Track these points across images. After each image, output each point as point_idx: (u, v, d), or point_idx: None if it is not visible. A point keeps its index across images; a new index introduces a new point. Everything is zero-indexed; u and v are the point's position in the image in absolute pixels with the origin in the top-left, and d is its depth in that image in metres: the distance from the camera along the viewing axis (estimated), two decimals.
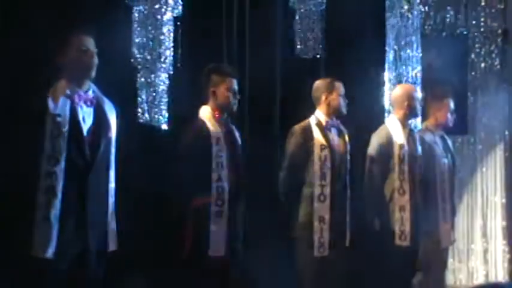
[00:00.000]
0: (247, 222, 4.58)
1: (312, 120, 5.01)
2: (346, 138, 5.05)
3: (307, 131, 4.95)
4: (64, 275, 3.68)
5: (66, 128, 3.68)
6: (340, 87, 5.04)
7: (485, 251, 6.73)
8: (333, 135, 4.99)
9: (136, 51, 5.97)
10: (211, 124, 4.51)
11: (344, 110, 5.03)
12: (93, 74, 3.85)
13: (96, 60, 3.84)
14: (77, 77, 3.81)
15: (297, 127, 5.00)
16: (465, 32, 6.82)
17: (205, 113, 4.57)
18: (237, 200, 4.52)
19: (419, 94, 5.54)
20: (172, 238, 4.58)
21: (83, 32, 3.85)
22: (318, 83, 5.10)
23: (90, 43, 3.84)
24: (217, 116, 4.56)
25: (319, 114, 5.02)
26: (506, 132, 6.84)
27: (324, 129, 4.96)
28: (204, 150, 4.43)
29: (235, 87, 4.58)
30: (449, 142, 5.70)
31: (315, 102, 5.07)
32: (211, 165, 4.41)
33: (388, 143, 5.17)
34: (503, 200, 6.74)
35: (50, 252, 3.61)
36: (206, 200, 4.40)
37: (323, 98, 5.03)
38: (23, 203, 3.67)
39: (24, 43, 5.12)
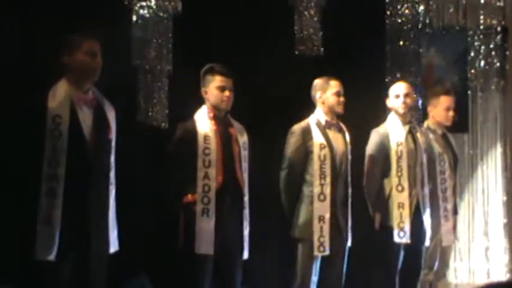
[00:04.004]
0: (246, 222, 4.55)
1: (312, 119, 5.00)
2: (347, 137, 5.04)
3: (307, 130, 4.94)
4: (66, 277, 3.68)
5: (66, 129, 3.68)
6: (335, 85, 5.01)
7: (487, 249, 6.73)
8: (333, 134, 4.98)
9: (135, 51, 5.98)
10: (203, 123, 4.51)
11: (339, 109, 5.00)
12: (97, 78, 3.86)
13: (100, 65, 3.84)
14: (81, 79, 3.82)
15: (296, 127, 4.99)
16: (464, 30, 6.80)
17: (202, 112, 4.58)
18: (231, 198, 4.50)
19: (413, 91, 5.52)
20: (168, 236, 4.58)
21: (93, 36, 3.85)
22: (315, 82, 5.09)
23: (98, 48, 3.85)
24: (211, 115, 4.55)
25: (319, 114, 5.01)
26: (507, 130, 6.83)
27: (323, 129, 4.95)
28: (190, 148, 4.43)
29: (226, 85, 4.54)
30: (452, 140, 5.68)
31: (314, 101, 5.07)
32: (197, 163, 4.40)
33: (386, 141, 5.17)
34: (504, 198, 6.73)
35: (52, 254, 3.60)
36: (194, 198, 4.39)
37: (318, 97, 5.03)
38: (25, 205, 3.67)
39: (24, 42, 5.13)
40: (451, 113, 5.59)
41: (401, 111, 5.23)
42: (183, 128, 4.58)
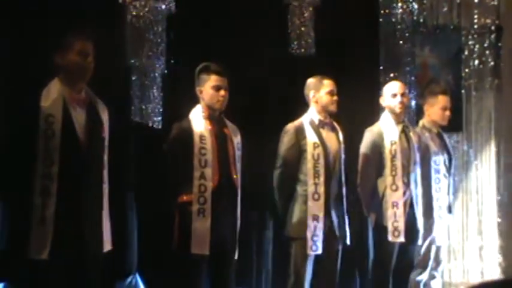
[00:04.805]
0: (239, 221, 4.55)
1: (305, 118, 5.00)
2: (340, 136, 5.04)
3: (300, 129, 4.94)
4: (60, 276, 3.67)
5: (59, 129, 3.67)
6: (328, 84, 5.02)
7: (481, 249, 6.74)
8: (326, 133, 4.98)
9: (129, 51, 5.98)
10: (198, 122, 4.51)
11: (332, 108, 5.01)
12: (89, 78, 3.86)
13: (92, 65, 3.84)
14: (73, 79, 3.82)
15: (290, 126, 5.00)
16: (458, 29, 6.81)
17: (197, 112, 4.58)
18: (226, 198, 4.49)
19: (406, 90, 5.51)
20: (163, 236, 4.58)
21: (86, 36, 3.85)
22: (308, 81, 5.10)
23: (91, 48, 3.85)
24: (206, 114, 4.55)
25: (312, 113, 5.02)
26: (501, 129, 6.83)
27: (316, 128, 4.95)
28: (185, 148, 4.43)
29: (221, 84, 4.54)
30: (447, 140, 5.69)
31: (307, 100, 5.07)
32: (193, 163, 4.41)
33: (380, 140, 5.17)
34: (498, 197, 6.74)
35: (46, 253, 3.60)
36: (189, 198, 4.39)
37: (311, 96, 5.03)
38: (19, 205, 3.66)
39: (17, 42, 5.13)
40: (447, 113, 5.60)
41: (397, 110, 5.22)
42: (178, 127, 4.57)
